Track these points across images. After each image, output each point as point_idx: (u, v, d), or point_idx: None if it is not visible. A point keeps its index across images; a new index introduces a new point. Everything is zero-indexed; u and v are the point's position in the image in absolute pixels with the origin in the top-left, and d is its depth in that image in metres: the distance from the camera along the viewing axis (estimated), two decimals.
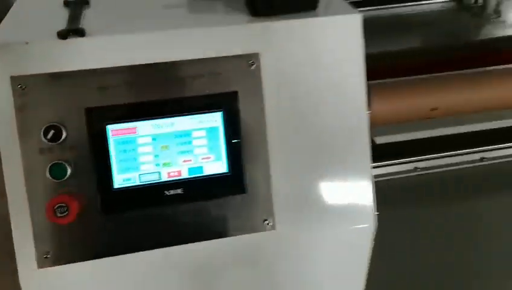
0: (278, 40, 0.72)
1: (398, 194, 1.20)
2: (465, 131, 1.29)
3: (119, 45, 0.68)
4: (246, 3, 0.75)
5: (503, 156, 1.30)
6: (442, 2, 2.62)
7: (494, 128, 1.30)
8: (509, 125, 1.32)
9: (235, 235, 0.73)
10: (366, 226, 0.78)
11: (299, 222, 0.76)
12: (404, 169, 1.28)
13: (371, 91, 0.85)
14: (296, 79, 0.73)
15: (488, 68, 1.11)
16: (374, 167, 1.27)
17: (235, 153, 0.72)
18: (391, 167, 1.19)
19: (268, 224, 0.74)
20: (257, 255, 0.76)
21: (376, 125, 0.91)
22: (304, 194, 0.75)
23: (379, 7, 2.53)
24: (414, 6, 2.58)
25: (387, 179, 1.24)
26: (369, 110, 0.83)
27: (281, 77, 0.73)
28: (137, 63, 0.68)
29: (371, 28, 0.88)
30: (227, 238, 0.73)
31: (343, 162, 0.76)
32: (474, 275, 1.27)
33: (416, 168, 1.29)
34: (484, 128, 1.30)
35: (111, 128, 0.67)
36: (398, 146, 1.23)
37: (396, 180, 1.16)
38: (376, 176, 1.02)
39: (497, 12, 2.45)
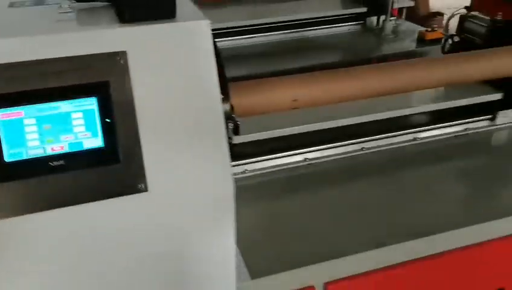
0: (141, 42, 0.91)
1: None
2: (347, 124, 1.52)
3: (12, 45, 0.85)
4: (116, 13, 0.95)
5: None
6: (350, 25, 2.93)
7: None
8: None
9: (113, 197, 0.90)
10: (227, 189, 0.96)
11: (167, 184, 0.93)
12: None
13: (230, 88, 1.06)
14: (157, 74, 0.92)
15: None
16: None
17: (109, 131, 0.89)
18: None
19: (141, 187, 0.91)
20: (133, 214, 0.93)
21: (241, 116, 1.12)
22: (170, 162, 0.93)
23: (295, 30, 2.81)
24: (326, 29, 2.88)
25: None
26: (228, 103, 1.03)
27: (145, 71, 0.91)
28: (26, 59, 0.85)
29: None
30: (106, 200, 0.90)
31: (201, 139, 0.95)
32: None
33: (305, 159, 1.51)
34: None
35: (1, 113, 0.84)
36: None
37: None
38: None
39: (395, 33, 2.76)
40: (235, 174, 1.39)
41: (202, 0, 1.25)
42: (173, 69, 0.93)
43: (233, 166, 1.12)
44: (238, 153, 1.30)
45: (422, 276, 1.33)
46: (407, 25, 2.91)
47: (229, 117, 1.05)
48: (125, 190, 0.91)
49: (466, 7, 2.39)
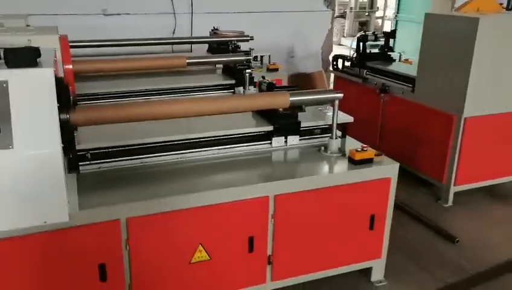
0: (15, 76, 1.91)
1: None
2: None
3: None
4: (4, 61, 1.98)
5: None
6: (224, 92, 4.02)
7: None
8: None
9: None
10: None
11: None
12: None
13: (75, 109, 2.09)
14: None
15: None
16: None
17: None
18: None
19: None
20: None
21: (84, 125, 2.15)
22: None
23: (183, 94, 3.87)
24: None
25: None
26: (71, 118, 2.06)
27: (24, 93, 1.91)
28: None
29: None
30: None
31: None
32: None
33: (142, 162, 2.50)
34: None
35: None
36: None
37: None
38: None
39: None
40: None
41: None
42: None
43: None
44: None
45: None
46: None
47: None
48: None
49: None
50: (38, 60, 1.96)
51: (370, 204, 2.71)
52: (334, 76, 5.30)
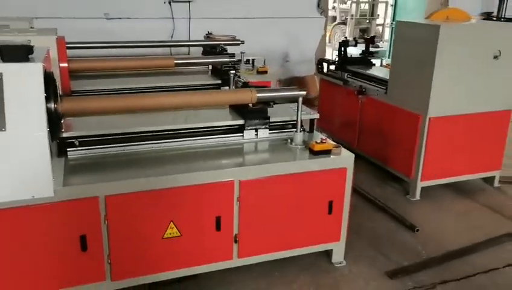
0: (9, 69, 2.24)
1: None
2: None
3: None
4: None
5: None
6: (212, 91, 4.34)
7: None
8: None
9: None
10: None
11: None
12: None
13: (62, 100, 2.42)
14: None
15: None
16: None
17: None
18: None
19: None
20: None
21: (69, 115, 2.48)
22: None
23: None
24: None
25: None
26: (58, 107, 2.38)
27: (16, 84, 2.24)
28: None
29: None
30: None
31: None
32: None
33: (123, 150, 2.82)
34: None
35: None
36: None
37: None
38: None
39: None
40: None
41: None
42: None
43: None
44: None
45: None
46: None
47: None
48: None
49: None
50: (30, 56, 2.30)
51: (328, 191, 3.01)
52: (320, 79, 5.60)
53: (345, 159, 3.01)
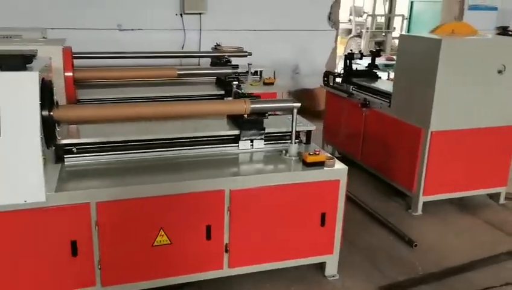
0: (5, 77, 2.32)
1: None
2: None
3: None
4: None
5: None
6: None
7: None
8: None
9: None
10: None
11: None
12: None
13: (58, 108, 2.49)
14: None
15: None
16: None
17: None
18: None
19: None
20: None
21: (65, 122, 2.55)
22: None
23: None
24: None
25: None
26: (53, 115, 2.45)
27: (12, 92, 2.31)
28: None
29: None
30: None
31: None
32: None
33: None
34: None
35: None
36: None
37: None
38: None
39: None
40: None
41: None
42: None
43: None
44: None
45: None
46: None
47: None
48: None
49: None
50: (28, 65, 2.38)
51: (321, 203, 3.00)
52: (326, 91, 5.60)
53: (338, 171, 3.00)
